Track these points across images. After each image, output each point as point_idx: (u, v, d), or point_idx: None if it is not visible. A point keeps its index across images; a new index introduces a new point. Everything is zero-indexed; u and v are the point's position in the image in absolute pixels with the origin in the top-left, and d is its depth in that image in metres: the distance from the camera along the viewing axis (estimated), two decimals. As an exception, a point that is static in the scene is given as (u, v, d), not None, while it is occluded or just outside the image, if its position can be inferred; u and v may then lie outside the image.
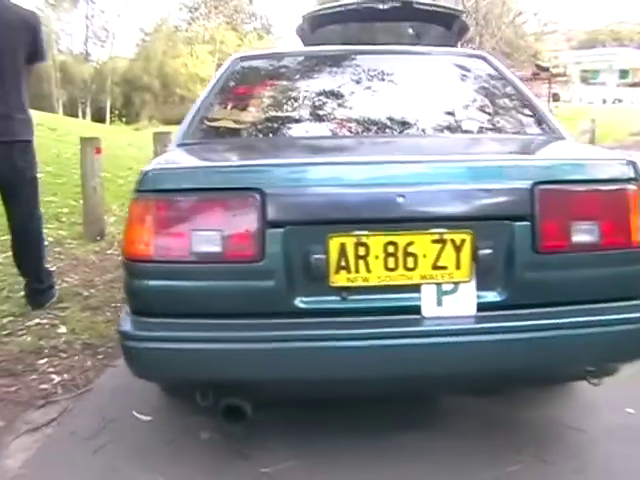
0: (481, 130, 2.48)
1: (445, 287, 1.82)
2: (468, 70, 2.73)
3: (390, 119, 2.47)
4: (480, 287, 1.82)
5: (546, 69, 21.41)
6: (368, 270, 1.78)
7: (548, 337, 1.79)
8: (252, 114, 2.63)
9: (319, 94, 2.65)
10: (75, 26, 34.24)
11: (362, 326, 1.78)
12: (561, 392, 2.53)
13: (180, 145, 2.33)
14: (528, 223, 1.80)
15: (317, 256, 1.77)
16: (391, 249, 1.78)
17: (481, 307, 1.82)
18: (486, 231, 1.80)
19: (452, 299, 1.82)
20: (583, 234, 1.82)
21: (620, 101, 36.95)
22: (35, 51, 3.31)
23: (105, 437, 2.27)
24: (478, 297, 1.82)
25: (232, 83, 2.70)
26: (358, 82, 2.64)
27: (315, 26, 5.28)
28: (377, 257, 1.78)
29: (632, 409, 2.44)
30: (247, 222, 1.78)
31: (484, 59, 2.76)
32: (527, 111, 2.49)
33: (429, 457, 2.13)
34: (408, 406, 2.37)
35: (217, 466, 2.12)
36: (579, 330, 1.81)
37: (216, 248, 1.77)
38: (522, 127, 2.48)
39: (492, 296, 1.83)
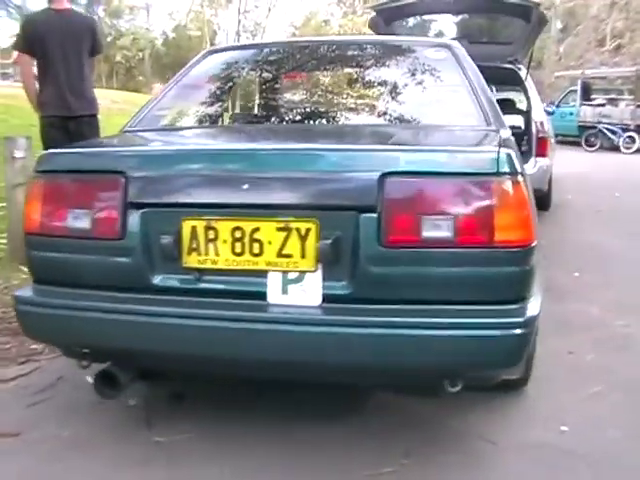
0: (392, 120, 2.39)
1: (290, 275, 1.82)
2: (421, 59, 2.63)
3: (303, 110, 2.49)
4: (326, 278, 1.79)
5: None
6: (217, 253, 1.84)
7: (390, 335, 1.73)
8: (195, 106, 2.77)
9: (257, 86, 2.73)
10: (230, 21, 35.93)
11: (209, 306, 1.84)
12: (505, 403, 2.39)
13: (125, 131, 2.52)
14: (374, 215, 1.75)
15: (171, 237, 1.85)
16: (238, 234, 1.81)
17: (327, 298, 1.80)
18: (332, 221, 1.78)
19: (298, 288, 1.82)
20: (435, 229, 1.73)
21: None
22: (94, 46, 4.23)
23: (47, 394, 2.52)
24: (324, 288, 1.80)
25: (194, 75, 2.83)
26: (303, 72, 2.66)
27: (388, 19, 5.26)
28: (225, 241, 1.83)
29: (567, 427, 2.24)
30: (112, 203, 1.91)
31: (448, 48, 2.63)
32: (467, 103, 2.35)
33: (318, 449, 2.13)
34: (328, 397, 2.37)
35: (121, 430, 2.28)
36: (425, 331, 1.72)
37: (86, 225, 1.93)
38: (449, 118, 2.36)
39: (338, 288, 1.80)
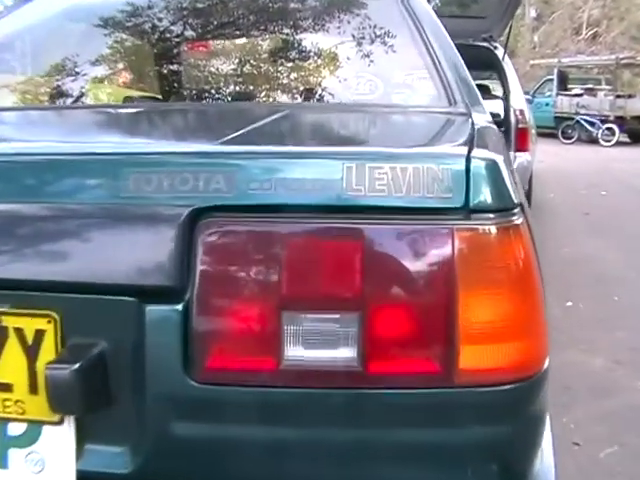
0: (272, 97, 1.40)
1: (13, 429, 0.83)
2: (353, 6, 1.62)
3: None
4: (85, 437, 0.81)
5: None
6: None
7: None
8: None
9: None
10: None
11: None
12: None
13: None
14: (177, 307, 0.77)
15: None
16: None
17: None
18: (89, 318, 0.80)
19: (26, 457, 0.83)
20: (317, 344, 0.76)
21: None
22: None
23: None
24: (82, 458, 0.81)
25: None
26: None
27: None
28: None
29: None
30: None
31: None
32: (416, 69, 1.36)
33: None
34: None
35: None
36: None
37: None
38: (381, 93, 1.37)
39: (110, 460, 0.82)
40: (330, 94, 1.44)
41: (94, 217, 0.78)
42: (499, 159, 0.79)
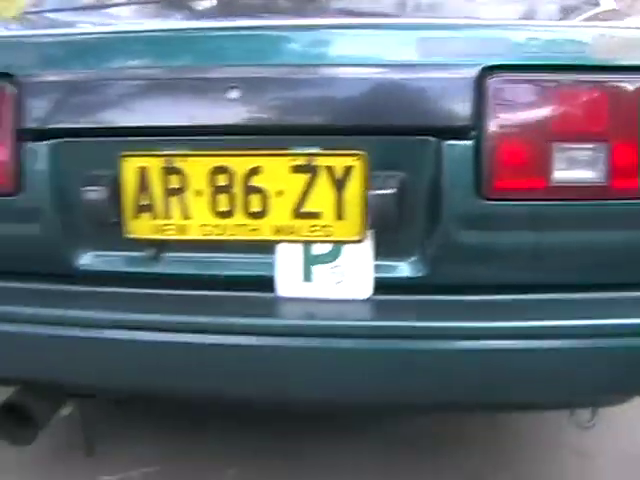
0: None
1: (317, 249, 1.05)
2: None
3: None
4: (380, 253, 1.04)
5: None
6: (186, 214, 1.05)
7: (525, 351, 0.99)
8: None
9: None
10: None
11: (170, 308, 1.06)
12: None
13: (25, 13, 1.64)
14: (468, 143, 0.98)
15: (104, 188, 1.05)
16: (222, 180, 1.02)
17: (382, 287, 1.04)
18: (392, 154, 1.01)
19: (330, 270, 1.06)
20: (577, 166, 0.98)
21: None
22: None
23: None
24: (376, 270, 1.04)
25: None
26: None
27: None
28: (199, 193, 1.04)
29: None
30: None
31: None
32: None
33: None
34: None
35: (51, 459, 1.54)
36: (559, 341, 0.99)
37: None
38: None
39: (401, 269, 1.05)
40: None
41: (402, 73, 0.98)
42: None
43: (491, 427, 1.65)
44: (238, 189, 1.03)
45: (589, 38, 0.98)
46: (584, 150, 0.97)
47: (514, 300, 1.02)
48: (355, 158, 1.00)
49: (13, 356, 1.11)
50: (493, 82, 0.96)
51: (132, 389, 1.14)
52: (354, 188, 1.01)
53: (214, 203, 1.03)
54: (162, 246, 1.08)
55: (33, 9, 1.63)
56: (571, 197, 0.98)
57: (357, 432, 1.61)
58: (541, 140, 0.97)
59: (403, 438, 1.61)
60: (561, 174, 0.97)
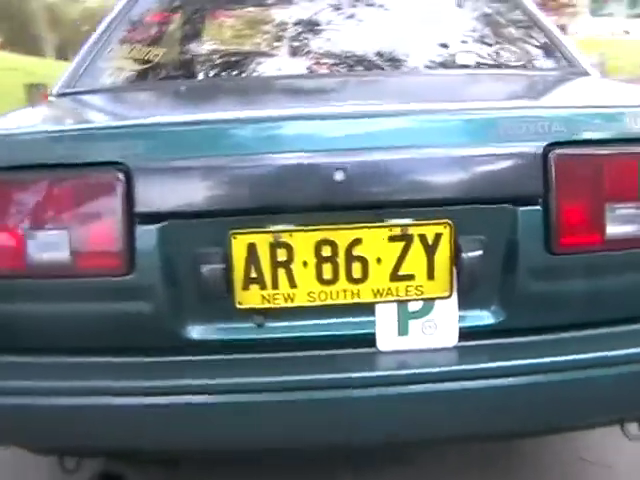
0: (476, 65, 1.80)
1: (412, 306, 1.20)
2: None
3: (348, 53, 1.81)
4: (463, 305, 1.20)
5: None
6: (293, 284, 1.17)
7: (574, 380, 1.18)
8: (168, 49, 1.96)
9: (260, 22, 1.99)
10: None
11: (281, 369, 1.17)
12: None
13: (59, 95, 1.69)
14: (537, 208, 1.17)
15: (215, 264, 1.15)
16: (327, 251, 1.16)
17: (465, 334, 1.21)
18: (474, 221, 1.18)
19: (422, 324, 1.21)
20: (625, 222, 1.20)
21: (628, 33, 35.29)
22: None
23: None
24: (461, 319, 1.21)
25: (144, 9, 2.02)
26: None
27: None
28: (306, 264, 1.16)
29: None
30: (104, 216, 1.16)
31: None
32: (537, 38, 1.81)
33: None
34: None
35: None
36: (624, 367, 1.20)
37: (59, 255, 1.16)
38: (530, 60, 1.81)
39: (479, 317, 1.22)
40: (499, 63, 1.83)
41: (481, 151, 1.16)
42: None
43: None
44: (341, 258, 1.16)
45: (626, 117, 1.21)
46: (631, 209, 1.19)
47: (581, 336, 1.21)
48: (443, 226, 1.16)
49: (127, 428, 1.17)
50: (554, 156, 1.16)
51: (249, 448, 1.23)
52: (443, 252, 1.17)
53: (319, 272, 1.16)
54: (270, 314, 1.19)
55: (67, 90, 1.68)
56: (622, 247, 1.19)
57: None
58: (595, 203, 1.18)
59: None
60: (613, 230, 1.19)
